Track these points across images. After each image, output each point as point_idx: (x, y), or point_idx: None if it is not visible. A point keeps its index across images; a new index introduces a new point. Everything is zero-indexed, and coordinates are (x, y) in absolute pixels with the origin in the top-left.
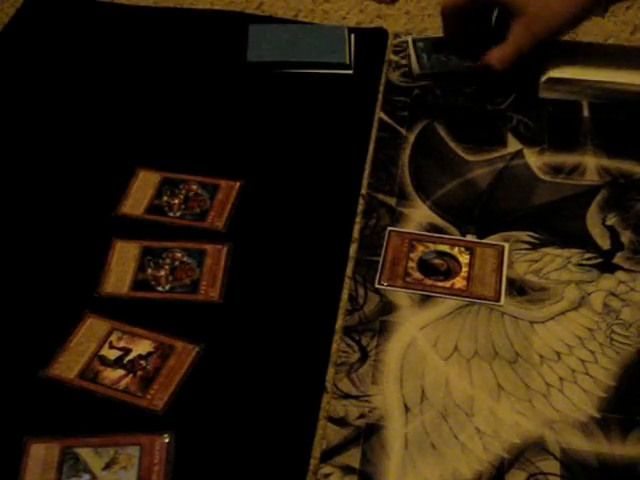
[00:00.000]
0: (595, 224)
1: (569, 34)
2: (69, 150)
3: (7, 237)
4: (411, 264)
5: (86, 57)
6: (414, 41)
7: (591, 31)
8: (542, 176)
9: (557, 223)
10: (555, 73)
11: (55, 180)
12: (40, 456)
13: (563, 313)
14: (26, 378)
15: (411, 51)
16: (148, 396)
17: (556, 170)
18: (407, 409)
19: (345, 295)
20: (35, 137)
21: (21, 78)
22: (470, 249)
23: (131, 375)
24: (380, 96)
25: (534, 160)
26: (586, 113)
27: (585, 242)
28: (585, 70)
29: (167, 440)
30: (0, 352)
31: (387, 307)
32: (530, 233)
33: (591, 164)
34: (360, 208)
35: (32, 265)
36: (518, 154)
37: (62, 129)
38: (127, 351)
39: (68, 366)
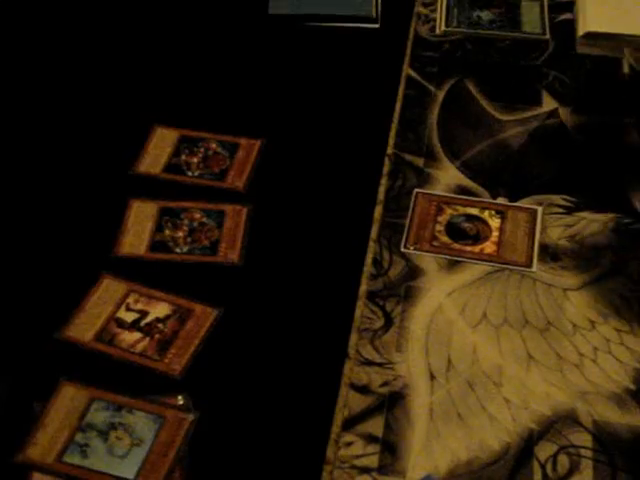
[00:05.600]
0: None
1: None
2: (84, 105)
3: (23, 197)
4: (439, 227)
5: (104, 11)
6: None
7: None
8: (579, 137)
9: (594, 186)
10: (594, 27)
11: (69, 136)
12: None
13: (598, 280)
14: (41, 339)
15: (442, 5)
16: (166, 360)
17: (594, 130)
18: (433, 378)
19: (369, 259)
20: (50, 92)
21: (37, 31)
22: (501, 213)
23: (148, 338)
24: (408, 51)
25: (570, 119)
26: (626, 70)
27: (623, 206)
28: (626, 24)
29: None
30: (15, 313)
31: (413, 272)
32: (565, 196)
33: (632, 124)
34: (386, 169)
35: (47, 225)
36: (553, 113)
37: (78, 83)
38: (144, 314)
39: (84, 328)
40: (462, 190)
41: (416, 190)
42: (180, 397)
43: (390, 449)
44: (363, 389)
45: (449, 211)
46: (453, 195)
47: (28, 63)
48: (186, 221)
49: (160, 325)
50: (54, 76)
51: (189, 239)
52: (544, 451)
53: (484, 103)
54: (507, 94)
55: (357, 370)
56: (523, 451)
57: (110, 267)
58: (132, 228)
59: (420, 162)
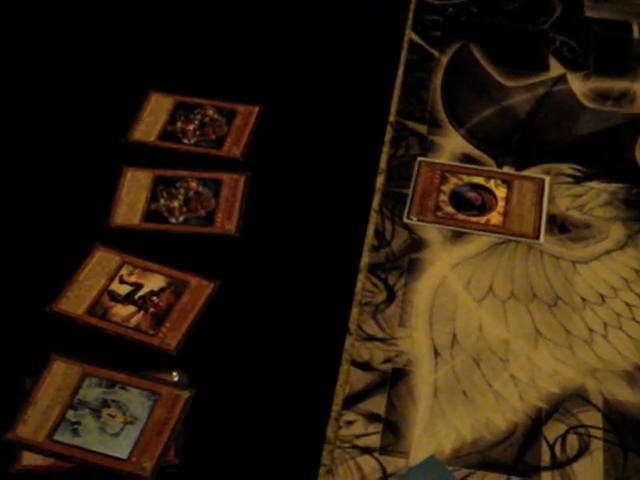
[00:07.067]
0: None
1: None
2: (77, 70)
3: (13, 164)
4: (443, 197)
5: None
6: None
7: None
8: (587, 103)
9: (603, 155)
10: None
11: (62, 102)
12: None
13: (608, 253)
14: (33, 313)
15: None
16: (160, 334)
17: (603, 97)
18: (437, 354)
19: (371, 230)
20: (43, 55)
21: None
22: (507, 182)
23: (142, 312)
24: (411, 15)
25: (579, 86)
26: (636, 34)
27: (634, 176)
28: None
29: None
30: (6, 285)
31: (416, 243)
32: (573, 165)
33: None
34: (388, 136)
35: (38, 194)
36: (561, 79)
37: (70, 47)
38: (138, 286)
39: (76, 301)
40: (467, 158)
41: (419, 158)
42: (175, 373)
43: (393, 428)
44: (365, 365)
45: (453, 180)
46: (458, 164)
47: (22, 30)
48: (182, 190)
49: (155, 298)
50: (48, 39)
51: (185, 209)
52: (553, 431)
53: (489, 68)
54: (513, 59)
55: (358, 346)
56: (531, 431)
57: (103, 238)
58: (126, 197)
59: (423, 129)
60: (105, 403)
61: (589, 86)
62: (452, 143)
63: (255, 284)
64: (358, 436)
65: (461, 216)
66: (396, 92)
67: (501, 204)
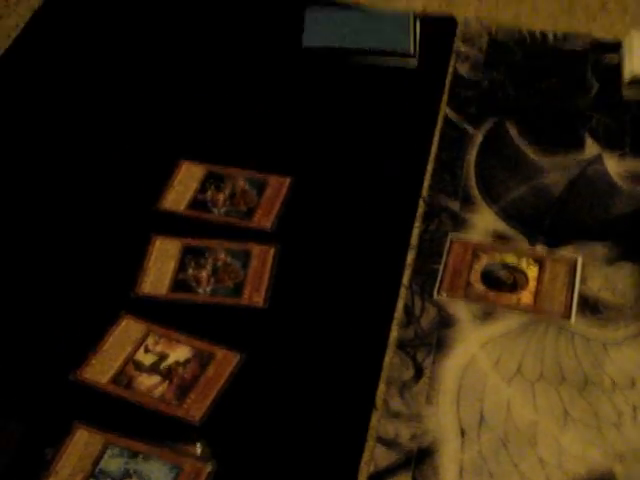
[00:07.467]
0: None
1: None
2: (108, 138)
3: (44, 230)
4: (474, 275)
5: (130, 41)
6: None
7: None
8: (622, 184)
9: (637, 236)
10: None
11: (93, 170)
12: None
13: None
14: (56, 381)
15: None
16: (185, 405)
17: (638, 178)
18: (463, 433)
19: (400, 305)
20: (75, 124)
21: (62, 63)
22: (539, 261)
23: (167, 382)
24: (446, 90)
25: (614, 166)
26: None
27: None
28: None
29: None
30: (30, 352)
31: (446, 320)
32: (607, 245)
33: None
34: (420, 212)
35: (66, 261)
36: (596, 159)
37: (102, 115)
38: (164, 356)
39: (101, 370)
40: (499, 236)
41: (451, 235)
42: (199, 445)
43: None
44: (390, 443)
45: (485, 258)
46: (490, 241)
47: (53, 97)
48: (210, 260)
49: (180, 369)
50: (81, 107)
51: (213, 279)
52: None
53: (524, 146)
54: (548, 137)
55: (384, 422)
56: None
57: (130, 306)
58: (154, 266)
59: (456, 206)
60: (127, 473)
61: (625, 167)
62: (485, 220)
63: (282, 357)
64: None
65: (492, 294)
66: (429, 167)
67: (532, 283)
